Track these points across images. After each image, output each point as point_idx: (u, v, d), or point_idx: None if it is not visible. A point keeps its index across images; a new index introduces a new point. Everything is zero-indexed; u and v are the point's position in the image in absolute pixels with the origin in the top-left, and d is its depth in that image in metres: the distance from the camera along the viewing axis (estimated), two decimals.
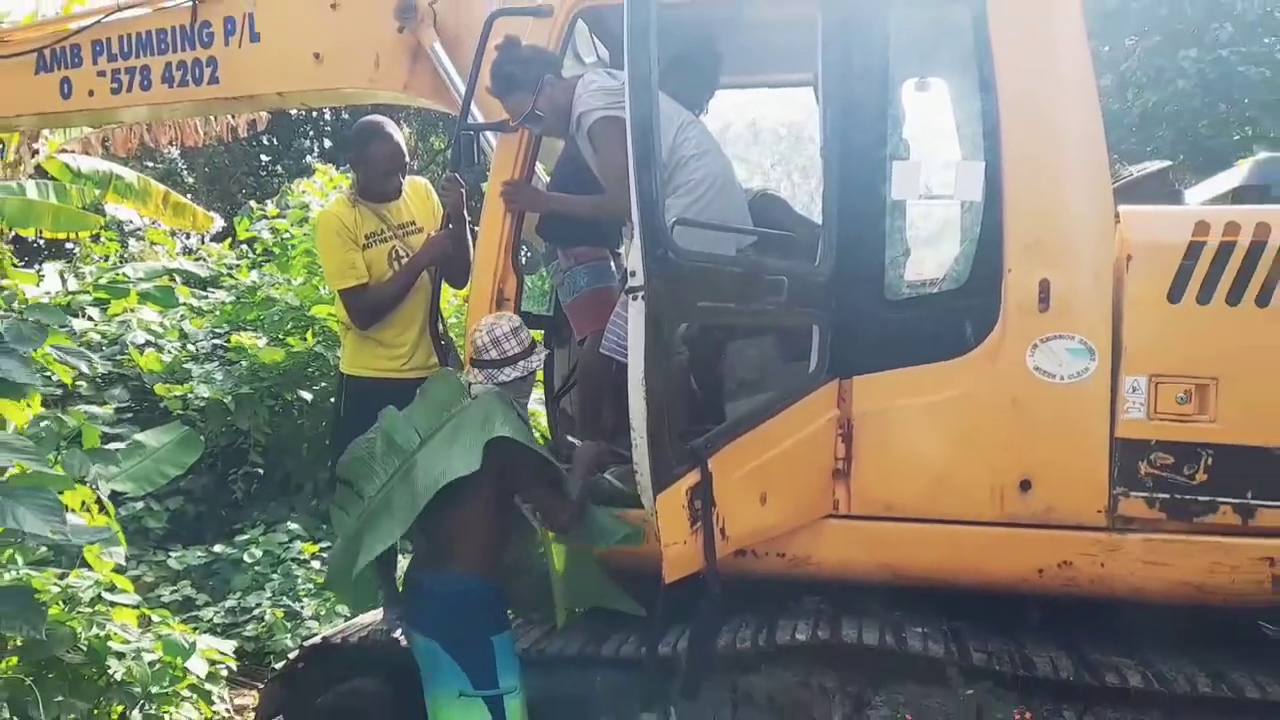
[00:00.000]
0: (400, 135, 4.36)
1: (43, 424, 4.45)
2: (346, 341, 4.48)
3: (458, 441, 3.19)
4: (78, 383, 5.22)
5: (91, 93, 4.75)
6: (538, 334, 5.73)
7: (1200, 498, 3.33)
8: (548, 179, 4.46)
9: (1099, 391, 3.35)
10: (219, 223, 12.24)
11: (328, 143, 19.95)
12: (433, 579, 3.19)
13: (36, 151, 10.60)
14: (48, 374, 4.70)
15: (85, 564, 4.07)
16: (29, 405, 4.45)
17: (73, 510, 4.17)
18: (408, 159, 4.37)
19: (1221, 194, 4.15)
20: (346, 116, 18.93)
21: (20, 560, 4.04)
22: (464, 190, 4.17)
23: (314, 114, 19.30)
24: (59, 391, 6.13)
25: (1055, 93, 3.44)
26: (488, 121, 3.94)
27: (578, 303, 4.32)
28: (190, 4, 4.55)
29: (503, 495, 3.27)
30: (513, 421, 3.24)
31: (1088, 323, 3.35)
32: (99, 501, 4.59)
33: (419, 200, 4.44)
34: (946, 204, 3.72)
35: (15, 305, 5.69)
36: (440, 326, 4.24)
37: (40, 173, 10.31)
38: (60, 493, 3.81)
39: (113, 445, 4.73)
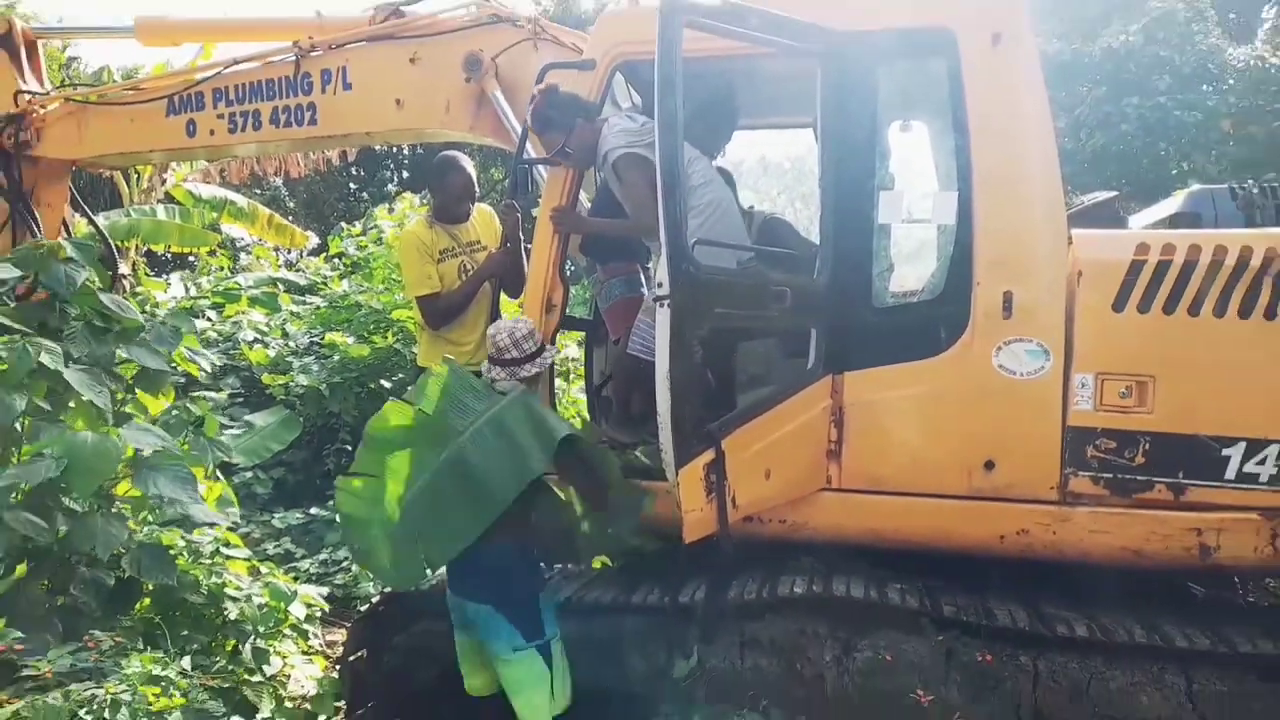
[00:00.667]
0: (472, 168, 4.41)
1: (174, 412, 4.52)
2: (422, 341, 4.55)
3: (519, 442, 3.05)
4: (199, 373, 5.30)
5: (212, 132, 4.81)
6: (577, 335, 5.77)
7: (1139, 477, 3.30)
8: (589, 205, 4.47)
9: (1053, 386, 3.32)
10: (314, 240, 12.35)
11: (406, 174, 20.02)
12: (481, 552, 3.07)
13: (165, 181, 10.75)
14: (173, 366, 4.77)
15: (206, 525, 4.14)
16: (164, 396, 4.53)
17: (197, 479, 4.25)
18: (477, 189, 4.42)
19: (1160, 220, 4.12)
20: (422, 152, 19.05)
21: (154, 521, 4.12)
22: (519, 215, 4.21)
23: (395, 149, 19.41)
24: (183, 380, 6.22)
25: (1018, 133, 3.41)
26: (540, 156, 3.97)
27: (613, 309, 4.34)
28: (294, 59, 4.60)
29: (539, 479, 3.20)
30: (557, 421, 3.20)
31: (1044, 328, 3.32)
32: (215, 473, 4.68)
33: (484, 223, 4.53)
34: (925, 227, 3.69)
35: (148, 309, 5.79)
36: None
37: (168, 198, 10.45)
38: (193, 467, 3.90)
39: (229, 430, 4.78)
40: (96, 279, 4.43)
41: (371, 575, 3.21)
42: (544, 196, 3.94)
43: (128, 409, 4.35)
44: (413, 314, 4.58)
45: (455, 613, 3.26)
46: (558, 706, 3.16)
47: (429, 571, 3.08)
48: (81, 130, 5.03)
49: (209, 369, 5.41)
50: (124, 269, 8.60)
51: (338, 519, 3.69)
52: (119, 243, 8.96)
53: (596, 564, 4.29)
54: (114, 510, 3.80)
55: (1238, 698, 3.02)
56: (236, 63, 4.77)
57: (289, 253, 14.62)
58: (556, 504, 3.50)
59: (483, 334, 4.27)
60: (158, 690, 3.01)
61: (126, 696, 2.88)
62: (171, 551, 3.79)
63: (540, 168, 4.07)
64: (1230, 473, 3.24)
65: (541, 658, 3.14)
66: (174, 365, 4.76)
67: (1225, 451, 3.24)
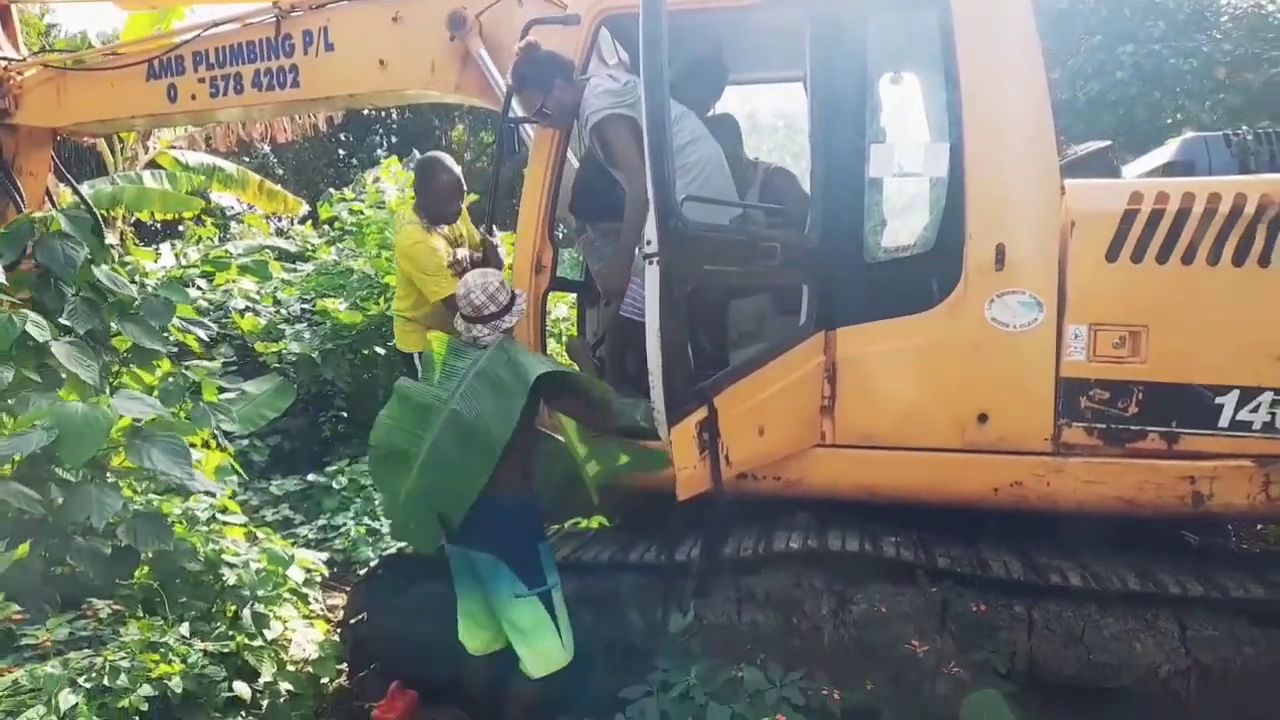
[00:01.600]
0: (457, 168, 4.34)
1: (170, 380, 4.51)
2: (400, 324, 4.48)
3: (503, 387, 3.13)
4: (195, 343, 5.29)
5: (194, 96, 4.73)
6: (568, 296, 5.73)
7: (1132, 427, 3.31)
8: (577, 164, 4.42)
9: (1046, 338, 3.32)
10: (304, 208, 12.24)
11: (395, 139, 19.82)
12: (483, 502, 3.13)
13: (149, 148, 10.63)
14: (166, 334, 4.76)
15: (204, 492, 4.15)
16: (159, 366, 4.52)
17: (195, 447, 4.26)
18: (464, 187, 4.37)
19: (1153, 169, 4.08)
20: (410, 116, 18.85)
21: (151, 490, 4.12)
22: (499, 243, 4.30)
23: (383, 113, 19.18)
24: (176, 350, 6.20)
25: (1010, 83, 3.37)
26: (525, 115, 3.91)
27: (601, 272, 4.31)
28: (274, 20, 4.51)
29: (530, 427, 3.26)
30: (535, 359, 3.27)
31: (1037, 280, 3.31)
32: (216, 440, 4.68)
33: (462, 220, 4.47)
34: (916, 180, 3.66)
35: (137, 279, 5.74)
36: None
37: (153, 165, 10.33)
38: (186, 435, 3.90)
39: (225, 395, 4.79)
40: (92, 254, 4.40)
41: (403, 543, 3.33)
42: (531, 153, 3.90)
43: (123, 380, 4.33)
44: (398, 307, 4.50)
45: (456, 563, 3.30)
46: (565, 657, 3.20)
47: (444, 530, 3.17)
48: (61, 97, 4.95)
49: (206, 339, 5.39)
50: (111, 239, 8.53)
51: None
52: (104, 211, 8.87)
53: (595, 523, 4.31)
54: (108, 479, 3.79)
55: (1230, 642, 3.05)
56: (216, 25, 4.68)
57: (279, 220, 14.51)
58: (557, 451, 3.54)
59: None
60: (157, 657, 3.02)
61: (125, 663, 2.89)
62: (169, 519, 3.79)
63: (527, 127, 4.02)
64: (1224, 421, 3.25)
65: (543, 605, 3.19)
66: (169, 336, 4.74)
67: (1218, 400, 3.24)
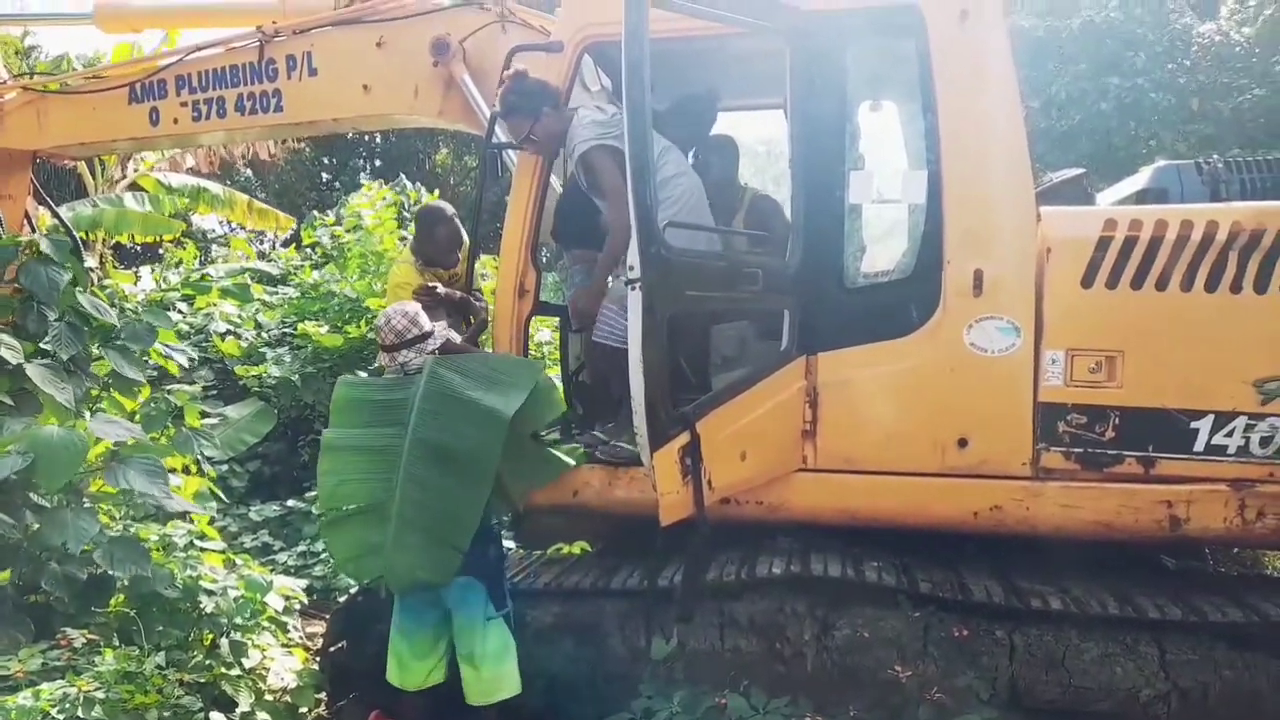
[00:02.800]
0: (455, 219, 4.45)
1: (150, 405, 4.48)
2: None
3: (474, 395, 3.08)
4: (176, 369, 5.27)
5: (176, 120, 4.72)
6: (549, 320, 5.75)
7: (1109, 451, 3.33)
8: (560, 190, 4.44)
9: (1024, 363, 3.35)
10: (294, 226, 12.20)
11: (378, 162, 19.83)
12: None
13: (127, 172, 10.59)
14: (145, 359, 4.74)
15: (181, 518, 4.11)
16: (139, 392, 4.49)
17: (175, 471, 4.23)
18: (464, 237, 4.45)
19: (1127, 196, 4.15)
20: (394, 139, 18.87)
21: (130, 515, 4.08)
22: (484, 307, 4.36)
23: (366, 137, 19.19)
24: (155, 374, 6.15)
25: (986, 112, 3.42)
26: (508, 141, 3.93)
27: (574, 297, 4.33)
28: (258, 44, 4.52)
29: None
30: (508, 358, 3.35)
31: (1014, 305, 3.35)
32: (198, 464, 4.64)
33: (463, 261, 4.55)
34: (895, 206, 3.70)
35: (117, 302, 5.71)
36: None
37: (134, 188, 10.29)
38: (164, 458, 3.88)
39: (205, 420, 4.77)
40: (75, 279, 4.39)
41: (413, 588, 3.20)
42: (515, 179, 3.92)
43: (102, 406, 4.30)
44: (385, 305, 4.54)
45: (407, 603, 3.26)
46: (517, 686, 3.21)
47: (459, 556, 3.05)
48: (41, 120, 4.92)
49: (186, 364, 5.37)
50: (90, 262, 8.48)
51: (333, 560, 3.75)
52: (84, 234, 8.82)
53: (577, 548, 4.29)
54: (84, 504, 3.75)
55: (1209, 666, 3.07)
56: (199, 49, 4.69)
57: (261, 242, 14.47)
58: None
59: None
60: (133, 688, 2.98)
61: (100, 694, 2.85)
62: (145, 544, 3.74)
63: (510, 152, 4.04)
64: (1199, 445, 3.28)
65: (505, 625, 3.20)
66: (148, 361, 4.71)
67: (1194, 424, 3.28)
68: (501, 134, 3.96)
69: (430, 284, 4.28)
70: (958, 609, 3.25)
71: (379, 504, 3.02)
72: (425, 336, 3.34)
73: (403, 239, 7.72)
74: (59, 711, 2.75)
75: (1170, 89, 11.61)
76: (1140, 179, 4.14)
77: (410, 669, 3.30)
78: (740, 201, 4.42)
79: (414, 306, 3.42)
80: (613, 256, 3.67)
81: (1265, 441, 3.24)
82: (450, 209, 4.51)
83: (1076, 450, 3.34)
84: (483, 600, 3.15)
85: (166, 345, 4.87)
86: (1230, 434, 3.26)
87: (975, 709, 2.99)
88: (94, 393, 4.40)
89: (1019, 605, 3.24)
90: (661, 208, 3.47)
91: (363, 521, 3.05)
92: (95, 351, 4.37)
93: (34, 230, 5.24)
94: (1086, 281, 3.31)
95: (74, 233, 5.44)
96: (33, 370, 3.89)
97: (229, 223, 11.31)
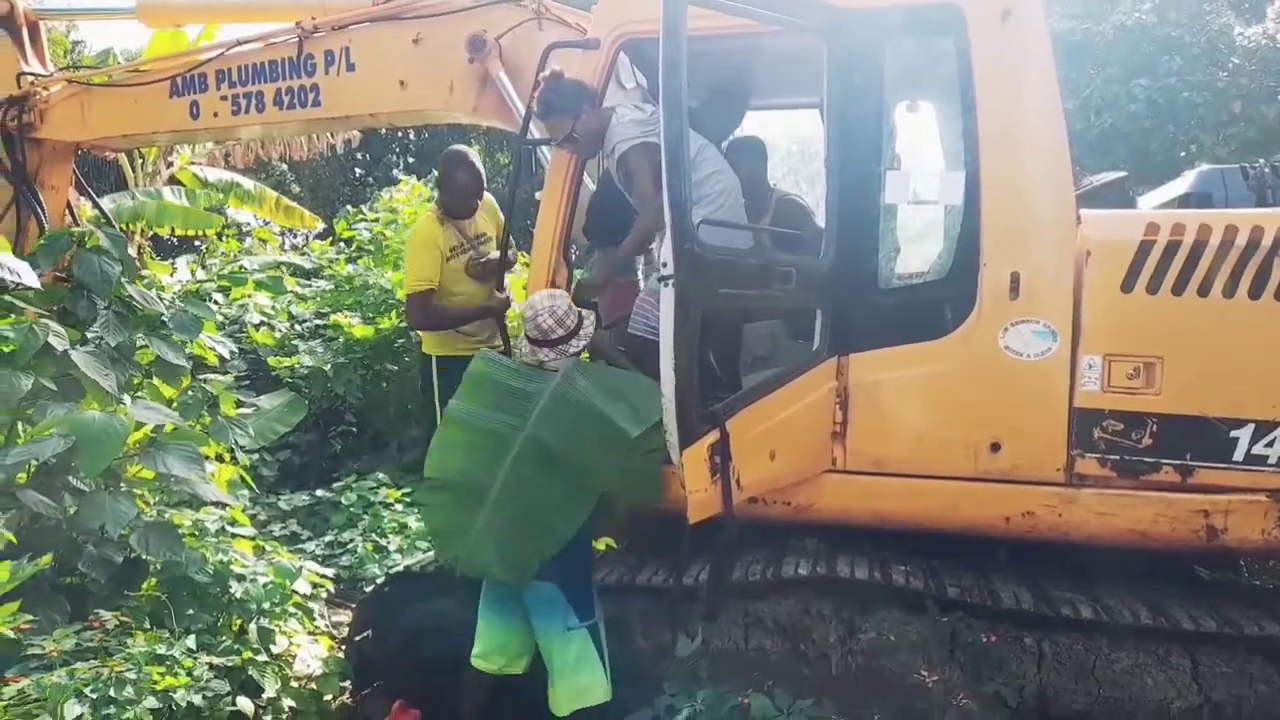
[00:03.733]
0: (479, 162, 4.42)
1: (188, 393, 4.54)
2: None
3: (598, 410, 3.01)
4: (216, 359, 5.35)
5: (216, 114, 4.79)
6: None
7: (1146, 459, 3.27)
8: (593, 187, 4.44)
9: (1060, 368, 3.30)
10: (320, 225, 12.31)
11: (411, 158, 19.97)
12: None
13: (170, 164, 10.73)
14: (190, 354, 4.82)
15: (214, 505, 4.16)
16: (182, 379, 4.56)
17: (208, 459, 4.28)
18: (484, 183, 4.45)
19: (1169, 200, 4.08)
20: (427, 135, 18.99)
21: (165, 501, 4.14)
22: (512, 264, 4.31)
23: (400, 133, 19.34)
24: (190, 364, 6.24)
25: (1026, 112, 3.37)
26: (542, 138, 3.94)
27: (605, 293, 4.34)
28: (297, 40, 4.56)
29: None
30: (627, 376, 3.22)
31: (1051, 309, 3.30)
32: (231, 453, 4.70)
33: (489, 213, 4.57)
34: (932, 208, 3.66)
35: (154, 292, 5.80)
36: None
37: (173, 181, 10.43)
38: (200, 446, 3.93)
39: (239, 410, 4.84)
40: (124, 270, 4.47)
41: (481, 575, 3.20)
42: (548, 176, 3.92)
43: (142, 394, 4.37)
44: (405, 257, 4.62)
45: (499, 590, 3.21)
46: (605, 694, 3.14)
47: (541, 562, 3.03)
48: (85, 112, 5.01)
49: (228, 356, 5.45)
50: (130, 252, 8.59)
51: (422, 523, 3.55)
52: (124, 226, 8.94)
53: (601, 545, 4.29)
54: (122, 489, 3.80)
55: (1242, 679, 3.01)
56: (239, 44, 4.74)
57: (294, 236, 14.61)
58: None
59: (483, 325, 4.32)
60: (162, 669, 3.01)
61: (131, 675, 2.88)
62: (179, 530, 3.79)
63: (544, 149, 4.05)
64: (1239, 454, 3.22)
65: (591, 639, 3.14)
66: (190, 354, 4.78)
67: (1234, 433, 3.22)
68: (535, 131, 3.96)
69: (481, 258, 4.28)
70: (986, 615, 3.21)
71: (478, 487, 3.01)
72: (568, 338, 3.26)
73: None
74: (91, 690, 2.78)
75: (1208, 90, 11.41)
76: (1183, 183, 4.07)
77: (489, 650, 3.28)
78: (768, 203, 4.40)
79: (563, 304, 3.32)
80: (636, 242, 3.70)
81: None
82: (473, 154, 4.50)
83: (1112, 457, 3.28)
84: (563, 609, 3.09)
85: (208, 336, 4.96)
86: (1271, 444, 3.19)
87: (1002, 716, 2.95)
88: (135, 380, 4.48)
89: (1049, 612, 3.19)
90: (699, 206, 3.47)
91: (458, 499, 3.04)
92: (139, 340, 4.46)
93: (75, 221, 5.34)
94: (1127, 286, 3.25)
95: (114, 224, 5.52)
96: (78, 356, 3.95)
97: (261, 218, 11.41)
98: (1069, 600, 3.26)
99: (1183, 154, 11.37)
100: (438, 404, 4.46)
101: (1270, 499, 3.20)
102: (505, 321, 4.46)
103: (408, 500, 6.05)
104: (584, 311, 3.37)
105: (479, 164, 4.44)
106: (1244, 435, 3.20)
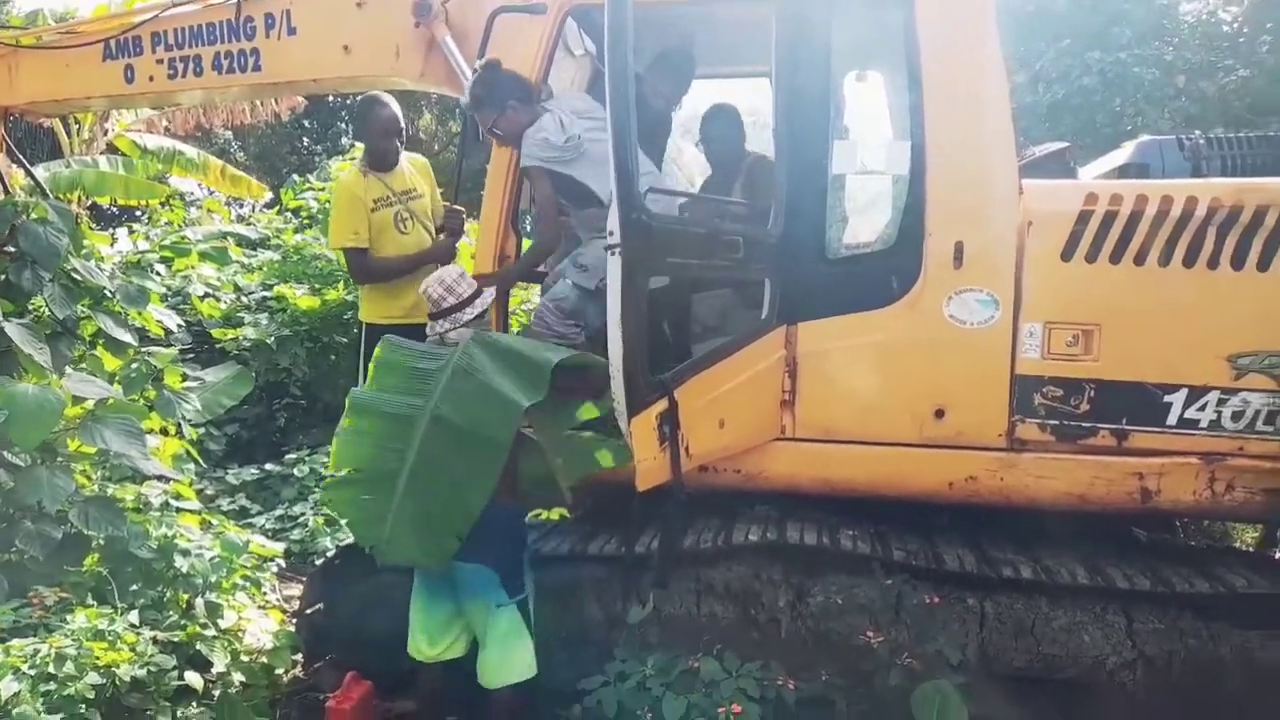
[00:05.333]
0: (396, 106, 4.35)
1: (133, 366, 4.44)
2: (362, 294, 4.52)
3: (498, 382, 2.92)
4: (161, 330, 5.23)
5: (151, 78, 4.63)
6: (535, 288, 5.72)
7: (1084, 424, 3.37)
8: None
9: (1002, 336, 3.37)
10: (268, 194, 12.06)
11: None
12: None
13: (107, 131, 10.42)
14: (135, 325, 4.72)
15: (158, 479, 4.10)
16: (129, 352, 4.46)
17: (152, 433, 4.20)
18: (402, 123, 4.36)
19: (1109, 171, 4.16)
20: None
21: (107, 476, 4.07)
22: (464, 215, 4.24)
23: (348, 100, 18.95)
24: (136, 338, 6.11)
25: (971, 84, 3.41)
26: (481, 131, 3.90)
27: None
28: (235, 2, 4.43)
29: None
30: (531, 345, 3.16)
31: (994, 278, 3.36)
32: (177, 427, 4.61)
33: (421, 172, 4.54)
34: (879, 177, 3.69)
35: (94, 263, 5.65)
36: None
37: (111, 149, 10.13)
38: (140, 419, 3.85)
39: (184, 383, 4.75)
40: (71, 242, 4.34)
41: (403, 564, 3.11)
42: (495, 147, 3.88)
43: (84, 366, 4.27)
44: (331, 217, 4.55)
45: (423, 578, 3.18)
46: (532, 669, 3.13)
47: (458, 541, 2.95)
48: (13, 75, 4.81)
49: (174, 329, 5.34)
50: None
51: (339, 520, 3.48)
52: (62, 195, 8.68)
53: (555, 515, 4.30)
54: (60, 463, 3.72)
55: (1174, 635, 3.13)
56: (176, 4, 4.59)
57: (241, 206, 14.30)
58: (533, 448, 3.36)
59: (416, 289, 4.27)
60: (104, 645, 2.97)
61: (71, 651, 2.84)
62: (121, 505, 3.73)
63: None
64: (1172, 419, 3.32)
65: (520, 614, 3.11)
66: (135, 325, 4.68)
67: (1167, 398, 3.32)
68: None
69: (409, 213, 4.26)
70: (931, 577, 3.29)
71: (388, 473, 2.92)
72: (462, 305, 3.18)
73: None
74: (29, 667, 2.74)
75: (1155, 65, 11.62)
76: (1122, 154, 4.15)
77: (426, 638, 3.23)
78: (739, 168, 4.38)
79: (454, 273, 3.23)
80: (526, 263, 3.83)
81: (1236, 416, 3.28)
82: (387, 95, 4.41)
83: (1052, 422, 3.37)
84: (494, 587, 3.06)
85: (154, 308, 4.85)
86: (1203, 408, 3.30)
87: (945, 674, 3.03)
88: (79, 353, 4.37)
89: (990, 574, 3.29)
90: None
91: (369, 488, 2.96)
92: (82, 312, 4.35)
93: (6, 189, 5.16)
94: (1066, 255, 3.33)
95: (48, 193, 5.35)
96: (12, 329, 3.85)
97: (207, 187, 11.16)
98: (1010, 562, 3.36)
99: (1128, 127, 11.57)
100: (360, 374, 4.42)
101: (1202, 461, 3.32)
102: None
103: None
104: (480, 280, 3.30)
105: (395, 105, 4.37)
106: (1177, 400, 3.31)
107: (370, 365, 3.17)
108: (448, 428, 2.92)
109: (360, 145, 7.44)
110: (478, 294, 3.27)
